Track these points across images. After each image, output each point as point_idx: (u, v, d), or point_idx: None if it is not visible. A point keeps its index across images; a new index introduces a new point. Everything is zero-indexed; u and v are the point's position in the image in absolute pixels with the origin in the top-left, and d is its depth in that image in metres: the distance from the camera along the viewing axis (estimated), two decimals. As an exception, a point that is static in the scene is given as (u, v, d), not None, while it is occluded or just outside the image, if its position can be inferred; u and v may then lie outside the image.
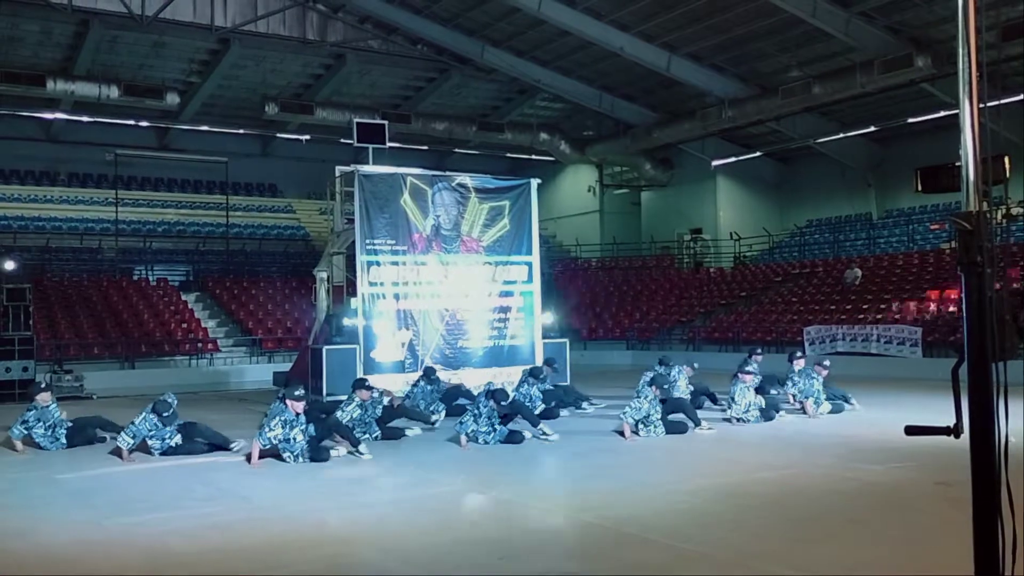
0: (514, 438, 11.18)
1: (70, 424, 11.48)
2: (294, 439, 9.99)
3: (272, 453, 10.03)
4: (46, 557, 6.17)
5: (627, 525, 6.65)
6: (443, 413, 13.64)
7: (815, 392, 13.34)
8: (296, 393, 10.34)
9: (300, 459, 9.92)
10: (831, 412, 13.23)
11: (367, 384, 12.30)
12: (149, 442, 10.59)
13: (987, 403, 2.95)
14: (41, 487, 8.89)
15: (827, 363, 13.98)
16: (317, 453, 10.05)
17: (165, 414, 10.56)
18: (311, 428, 10.23)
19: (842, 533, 6.40)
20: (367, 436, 11.67)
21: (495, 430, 11.15)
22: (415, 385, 14.62)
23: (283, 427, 9.97)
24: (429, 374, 14.81)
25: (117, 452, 10.40)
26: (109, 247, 29.04)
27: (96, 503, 7.94)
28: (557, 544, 6.24)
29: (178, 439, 10.71)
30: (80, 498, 8.21)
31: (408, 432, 12.20)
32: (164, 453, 10.57)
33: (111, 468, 9.82)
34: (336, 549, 6.28)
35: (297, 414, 10.10)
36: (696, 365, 14.81)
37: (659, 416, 11.49)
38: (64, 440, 11.25)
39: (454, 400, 14.35)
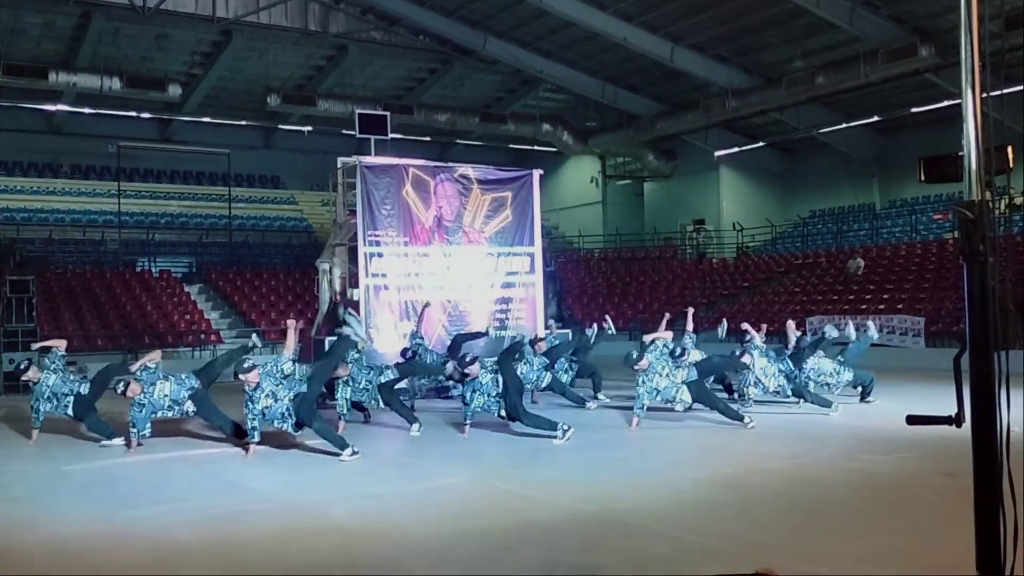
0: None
1: (78, 385, 11.08)
2: (271, 409, 9.68)
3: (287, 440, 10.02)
4: (54, 550, 6.19)
5: (632, 516, 6.66)
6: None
7: (774, 372, 12.77)
8: (244, 366, 9.74)
9: (288, 419, 9.68)
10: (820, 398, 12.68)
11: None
12: (168, 412, 10.50)
13: (989, 392, 2.96)
14: (48, 480, 8.92)
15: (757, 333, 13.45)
16: (301, 412, 9.72)
17: (118, 377, 10.46)
18: (301, 386, 9.94)
19: (848, 523, 6.41)
20: (374, 403, 11.65)
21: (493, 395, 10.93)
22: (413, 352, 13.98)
23: (247, 407, 9.77)
24: (407, 354, 13.86)
25: (127, 442, 10.45)
26: (112, 239, 29.08)
27: (103, 496, 7.96)
28: (562, 535, 6.25)
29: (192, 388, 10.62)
30: (87, 491, 8.24)
31: (454, 392, 12.27)
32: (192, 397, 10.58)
33: (117, 460, 9.85)
34: (341, 539, 6.30)
35: (255, 385, 9.71)
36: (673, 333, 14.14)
37: (678, 381, 11.25)
38: (71, 411, 10.96)
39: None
